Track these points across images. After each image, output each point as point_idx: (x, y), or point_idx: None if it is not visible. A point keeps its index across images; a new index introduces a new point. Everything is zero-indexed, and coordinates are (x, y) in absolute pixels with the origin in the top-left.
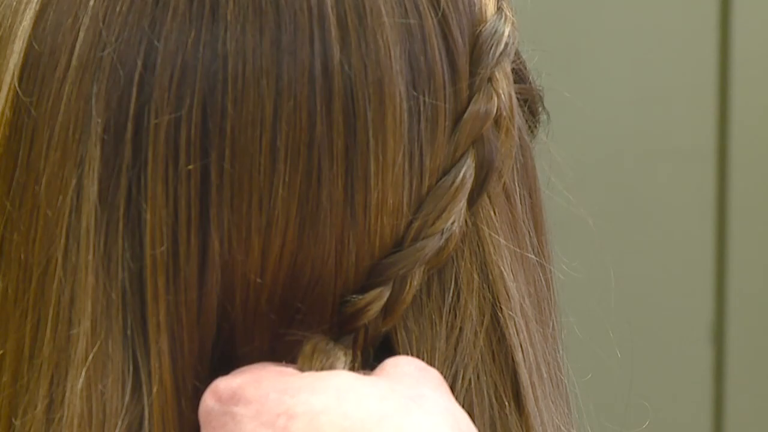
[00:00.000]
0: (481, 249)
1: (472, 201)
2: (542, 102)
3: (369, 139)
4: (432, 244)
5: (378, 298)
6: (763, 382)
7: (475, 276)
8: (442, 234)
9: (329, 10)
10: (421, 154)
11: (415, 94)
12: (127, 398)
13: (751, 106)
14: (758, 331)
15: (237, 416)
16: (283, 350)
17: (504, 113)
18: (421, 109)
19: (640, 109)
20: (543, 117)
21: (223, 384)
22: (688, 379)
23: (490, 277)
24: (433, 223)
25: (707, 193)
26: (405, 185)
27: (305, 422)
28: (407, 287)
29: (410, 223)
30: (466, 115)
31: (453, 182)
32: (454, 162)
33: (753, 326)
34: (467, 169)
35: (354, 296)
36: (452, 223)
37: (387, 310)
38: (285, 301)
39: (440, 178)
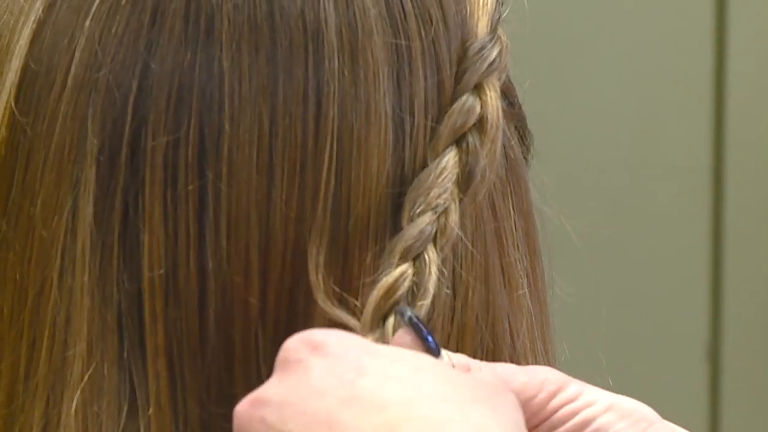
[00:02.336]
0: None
1: (460, 200)
2: (527, 125)
3: (354, 155)
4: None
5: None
6: (759, 402)
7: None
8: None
9: (323, 26)
10: (402, 170)
11: (400, 113)
12: (123, 420)
13: (747, 119)
14: (754, 351)
15: (311, 363)
16: None
17: (490, 120)
18: (406, 128)
19: (635, 123)
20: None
21: (317, 333)
22: (684, 399)
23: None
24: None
25: (703, 210)
26: (388, 202)
27: (373, 382)
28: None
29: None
30: (449, 111)
31: (435, 170)
32: (436, 155)
33: (748, 346)
34: (449, 161)
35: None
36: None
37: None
38: (288, 326)
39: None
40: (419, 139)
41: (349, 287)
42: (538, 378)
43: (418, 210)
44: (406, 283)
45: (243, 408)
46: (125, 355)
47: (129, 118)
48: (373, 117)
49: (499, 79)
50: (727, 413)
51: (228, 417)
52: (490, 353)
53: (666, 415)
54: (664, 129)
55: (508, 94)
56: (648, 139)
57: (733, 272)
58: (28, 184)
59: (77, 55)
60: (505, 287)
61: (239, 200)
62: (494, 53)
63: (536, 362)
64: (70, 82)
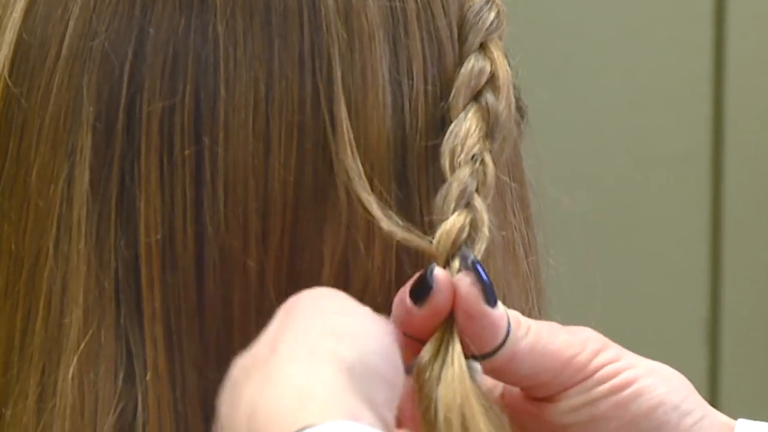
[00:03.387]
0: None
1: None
2: (521, 99)
3: (352, 119)
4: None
5: None
6: (758, 381)
7: None
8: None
9: None
10: (403, 134)
11: (397, 76)
12: (119, 387)
13: (746, 106)
14: (753, 330)
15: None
16: None
17: (501, 77)
18: (405, 90)
19: (634, 107)
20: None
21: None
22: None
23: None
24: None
25: (702, 191)
26: (390, 164)
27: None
28: None
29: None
30: (460, 73)
31: (464, 122)
32: (458, 112)
33: (747, 325)
34: (473, 116)
35: None
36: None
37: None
38: (288, 291)
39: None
40: (419, 102)
41: (357, 250)
42: (580, 336)
43: (460, 159)
44: (467, 227)
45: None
46: (122, 321)
47: (125, 84)
48: (371, 80)
49: (500, 39)
50: (726, 394)
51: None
52: None
53: None
54: (663, 112)
55: (507, 59)
56: (647, 122)
57: (732, 253)
58: (22, 154)
59: (71, 24)
60: (503, 251)
61: (236, 165)
62: (492, 15)
63: None
64: (64, 51)
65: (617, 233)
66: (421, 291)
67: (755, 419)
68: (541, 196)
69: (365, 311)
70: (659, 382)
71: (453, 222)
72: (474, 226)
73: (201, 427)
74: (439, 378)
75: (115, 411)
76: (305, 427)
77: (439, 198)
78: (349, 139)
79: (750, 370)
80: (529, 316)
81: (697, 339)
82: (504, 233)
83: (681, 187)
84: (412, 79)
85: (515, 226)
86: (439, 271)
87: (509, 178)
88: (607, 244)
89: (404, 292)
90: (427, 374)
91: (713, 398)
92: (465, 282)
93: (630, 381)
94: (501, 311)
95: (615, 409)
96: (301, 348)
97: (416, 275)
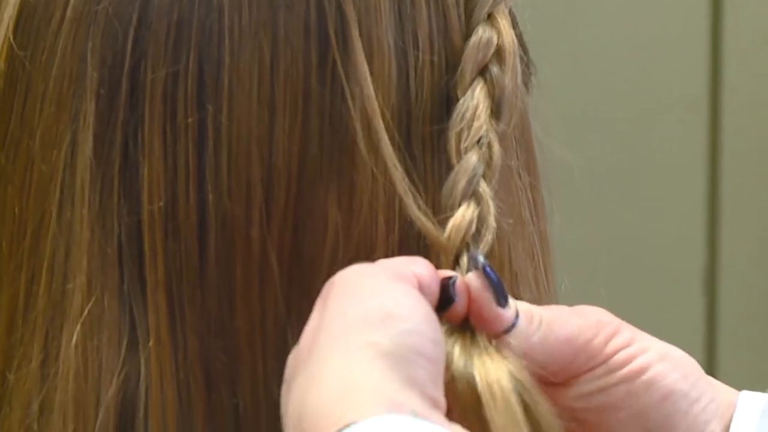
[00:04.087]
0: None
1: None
2: (529, 56)
3: (358, 89)
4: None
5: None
6: (755, 330)
7: None
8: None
9: None
10: (408, 105)
11: (403, 46)
12: (122, 353)
13: (744, 52)
14: (750, 279)
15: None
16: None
17: (507, 48)
18: (410, 61)
19: (633, 60)
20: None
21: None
22: (681, 328)
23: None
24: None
25: (700, 141)
26: (394, 134)
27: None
28: None
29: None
30: (467, 44)
31: (470, 102)
32: (465, 90)
33: (745, 274)
34: (480, 93)
35: None
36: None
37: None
38: (292, 261)
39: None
40: (425, 73)
41: (358, 216)
42: (593, 320)
43: (465, 145)
44: (474, 222)
45: None
46: (125, 288)
47: (129, 51)
48: (376, 50)
49: (506, 7)
50: (724, 346)
51: (227, 350)
52: None
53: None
54: (661, 64)
55: (513, 24)
56: (646, 74)
57: (730, 204)
58: (26, 117)
59: None
60: (508, 213)
61: (239, 133)
62: None
63: (537, 289)
64: (69, 14)
65: (614, 185)
66: (443, 301)
67: (752, 369)
68: (544, 152)
69: (398, 287)
70: (670, 368)
71: (462, 216)
72: (481, 218)
73: (203, 394)
74: (472, 361)
75: (118, 377)
76: (348, 425)
77: (446, 188)
78: (370, 108)
79: (747, 319)
80: (535, 276)
81: (694, 288)
82: (511, 199)
83: (679, 136)
84: (418, 49)
85: (521, 188)
86: (461, 284)
87: (515, 142)
88: (605, 195)
89: None
90: (461, 362)
91: (710, 350)
92: (476, 284)
93: (643, 368)
94: (512, 310)
95: (626, 398)
96: (337, 342)
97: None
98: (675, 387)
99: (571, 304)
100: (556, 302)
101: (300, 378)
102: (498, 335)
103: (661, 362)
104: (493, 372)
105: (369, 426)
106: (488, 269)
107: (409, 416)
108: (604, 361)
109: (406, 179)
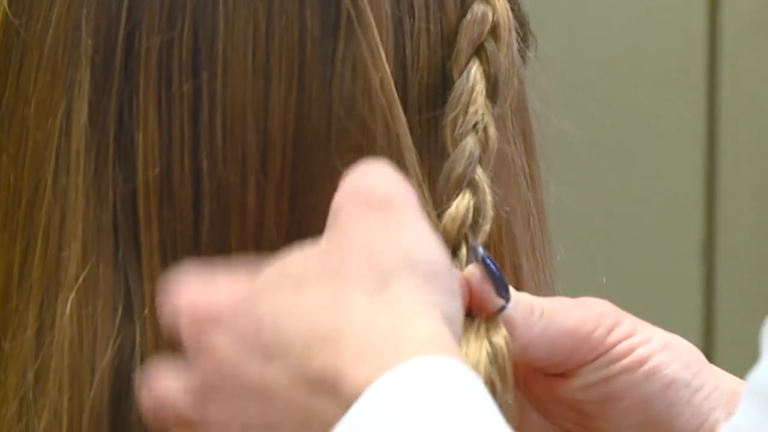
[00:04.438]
0: None
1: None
2: (529, 27)
3: (356, 57)
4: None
5: None
6: (753, 298)
7: None
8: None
9: None
10: (404, 73)
11: (399, 14)
12: (117, 321)
13: (741, 33)
14: (748, 248)
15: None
16: None
17: (502, 24)
18: (406, 29)
19: (630, 31)
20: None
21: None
22: (679, 297)
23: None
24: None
25: (698, 111)
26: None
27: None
28: None
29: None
30: (463, 22)
31: (466, 85)
32: (460, 70)
33: (743, 243)
34: (475, 74)
35: None
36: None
37: None
38: (289, 230)
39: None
40: (421, 42)
41: None
42: (595, 312)
43: (461, 131)
44: (471, 212)
45: None
46: (120, 256)
47: (123, 19)
48: (373, 18)
49: None
50: (722, 311)
51: None
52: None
53: (661, 313)
54: (658, 36)
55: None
56: (643, 47)
57: (727, 170)
58: (21, 86)
59: None
60: (505, 186)
61: (234, 101)
62: None
63: (534, 258)
64: None
65: (613, 158)
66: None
67: (749, 339)
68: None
69: (427, 230)
70: (672, 358)
71: (457, 207)
72: (478, 207)
73: None
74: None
75: (113, 345)
76: (409, 360)
77: (442, 176)
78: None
79: (745, 287)
80: (532, 245)
81: (693, 260)
82: (507, 168)
83: (676, 109)
84: (414, 18)
85: (517, 157)
86: (461, 278)
87: (512, 113)
88: (604, 169)
89: None
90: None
91: (709, 313)
92: (477, 277)
93: (644, 358)
94: (514, 301)
95: (628, 388)
96: (373, 273)
97: None
98: (677, 376)
99: (567, 274)
100: (553, 272)
101: (320, 295)
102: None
103: (663, 352)
104: (472, 356)
105: (432, 362)
106: (489, 261)
107: (461, 363)
108: (606, 352)
109: (417, 158)
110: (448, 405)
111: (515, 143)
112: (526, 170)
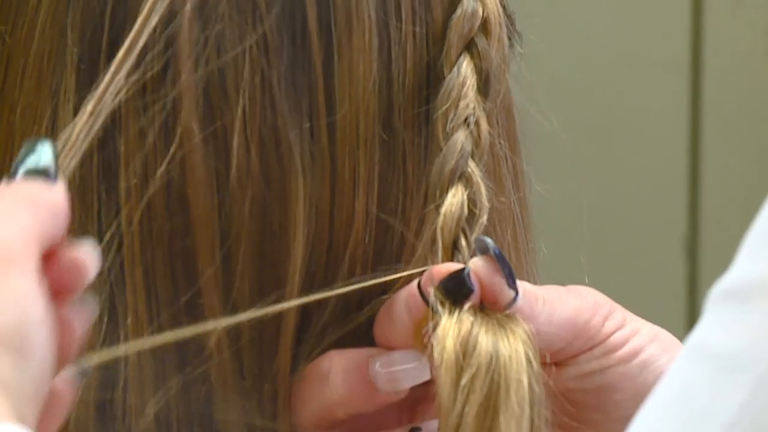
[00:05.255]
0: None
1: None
2: (514, 26)
3: (336, 59)
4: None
5: None
6: None
7: None
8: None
9: None
10: (389, 77)
11: (384, 18)
12: (103, 331)
13: (724, 19)
14: (731, 245)
15: None
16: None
17: (493, 19)
18: (392, 33)
19: (614, 22)
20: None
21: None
22: (662, 293)
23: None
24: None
25: (681, 108)
26: (376, 106)
27: None
28: None
29: None
30: (452, 18)
31: (456, 80)
32: (451, 65)
33: (726, 239)
34: (466, 69)
35: None
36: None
37: None
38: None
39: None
40: (407, 44)
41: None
42: (589, 300)
43: (452, 125)
44: (466, 204)
45: None
46: (105, 265)
47: (107, 25)
48: (356, 22)
49: None
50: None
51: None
52: None
53: (645, 309)
54: (642, 26)
55: None
56: (627, 35)
57: (710, 165)
58: (7, 92)
59: None
60: (491, 181)
61: (205, 108)
62: None
63: (518, 257)
64: None
65: (596, 155)
66: (459, 292)
67: None
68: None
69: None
70: (661, 350)
71: (452, 201)
72: (472, 200)
73: (177, 370)
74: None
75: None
76: None
77: (434, 170)
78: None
79: None
80: (515, 244)
81: (676, 257)
82: (492, 166)
83: (659, 106)
84: (401, 21)
85: (502, 157)
86: (473, 274)
87: (497, 110)
88: (586, 166)
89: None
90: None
91: (692, 309)
92: (487, 270)
93: (637, 350)
94: (521, 290)
95: (622, 380)
96: None
97: (447, 274)
98: (667, 369)
99: (550, 272)
100: (537, 269)
101: None
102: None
103: (653, 344)
104: (505, 348)
105: None
106: (499, 253)
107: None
108: (602, 342)
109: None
110: None
111: (500, 140)
112: (511, 167)
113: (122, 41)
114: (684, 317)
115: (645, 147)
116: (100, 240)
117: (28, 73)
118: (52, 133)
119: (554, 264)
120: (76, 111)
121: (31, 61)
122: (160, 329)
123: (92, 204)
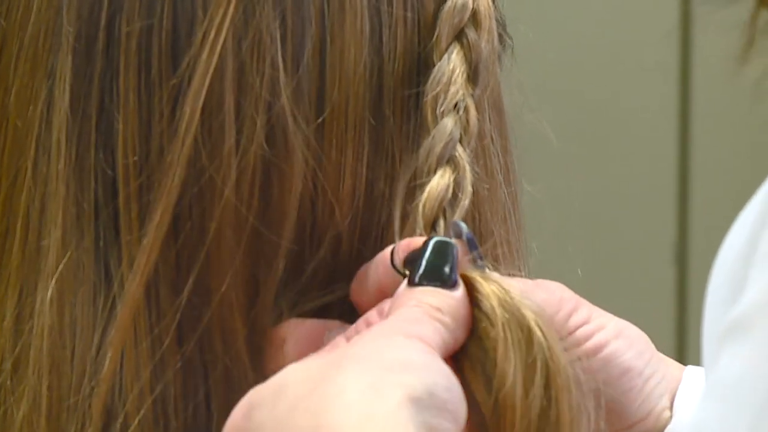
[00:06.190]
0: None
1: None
2: (505, 28)
3: (328, 43)
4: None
5: None
6: None
7: None
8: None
9: None
10: (380, 62)
11: (376, 3)
12: (99, 308)
13: (713, 22)
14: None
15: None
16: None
17: (483, 11)
18: (384, 18)
19: (604, 26)
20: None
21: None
22: (651, 302)
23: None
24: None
25: (670, 111)
26: (366, 91)
27: None
28: None
29: None
30: (443, 8)
31: (447, 66)
32: (441, 54)
33: (715, 248)
34: (456, 58)
35: None
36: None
37: None
38: (264, 219)
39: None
40: (398, 28)
41: (335, 176)
42: (556, 295)
43: (442, 109)
44: (451, 187)
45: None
46: (101, 243)
47: (104, 5)
48: (348, 6)
49: None
50: (694, 315)
51: (199, 306)
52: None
53: (634, 317)
54: (631, 29)
55: None
56: (617, 39)
57: (700, 174)
58: (1, 74)
59: None
60: (483, 176)
61: (212, 86)
62: None
63: (510, 252)
64: None
65: (586, 163)
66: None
67: None
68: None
69: (423, 347)
70: (626, 346)
71: (437, 183)
72: (457, 183)
73: (174, 348)
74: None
75: (95, 332)
76: None
77: (422, 153)
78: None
79: None
80: (508, 239)
81: (665, 265)
82: (484, 161)
83: (649, 113)
84: (392, 6)
85: (493, 153)
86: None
87: (488, 106)
88: (576, 174)
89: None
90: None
91: (681, 317)
92: (457, 251)
93: (601, 345)
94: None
95: (585, 375)
96: (369, 373)
97: (413, 247)
98: (631, 364)
99: (539, 275)
100: (527, 267)
101: (315, 394)
102: None
103: (617, 339)
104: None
105: None
106: (471, 237)
107: None
108: (566, 336)
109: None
110: None
111: (492, 139)
112: (503, 163)
113: (120, 18)
114: (673, 323)
115: (634, 153)
116: (96, 216)
117: (23, 55)
118: (48, 114)
119: (543, 267)
120: (72, 91)
121: (27, 42)
122: (159, 310)
123: (89, 181)
